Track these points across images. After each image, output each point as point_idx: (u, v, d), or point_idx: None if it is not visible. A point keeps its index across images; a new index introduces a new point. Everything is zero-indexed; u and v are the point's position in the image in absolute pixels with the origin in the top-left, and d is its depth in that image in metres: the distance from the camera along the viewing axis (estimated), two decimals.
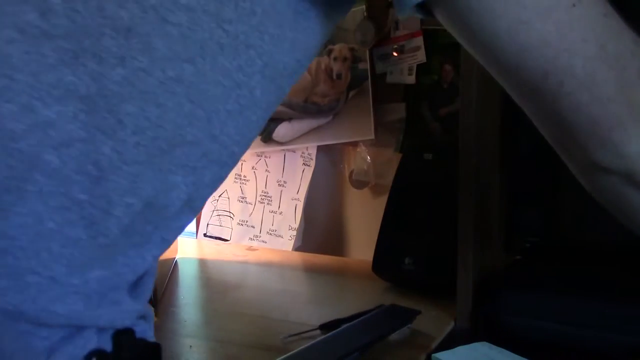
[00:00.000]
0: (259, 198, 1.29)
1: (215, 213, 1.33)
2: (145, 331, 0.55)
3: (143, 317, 0.55)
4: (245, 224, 1.30)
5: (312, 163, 1.25)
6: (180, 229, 0.56)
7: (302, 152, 1.25)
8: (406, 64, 1.15)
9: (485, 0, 0.46)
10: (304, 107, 1.20)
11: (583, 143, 0.49)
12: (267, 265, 1.18)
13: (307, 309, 0.95)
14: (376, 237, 1.05)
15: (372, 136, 1.18)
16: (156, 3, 0.46)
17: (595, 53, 0.47)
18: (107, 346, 0.46)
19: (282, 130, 1.23)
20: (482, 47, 0.49)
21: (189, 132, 0.50)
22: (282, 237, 1.26)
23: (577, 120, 0.48)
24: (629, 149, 0.48)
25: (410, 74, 1.15)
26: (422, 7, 0.49)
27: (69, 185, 0.46)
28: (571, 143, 0.51)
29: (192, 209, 0.54)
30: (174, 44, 0.47)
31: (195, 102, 0.49)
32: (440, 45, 1.12)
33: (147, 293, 0.55)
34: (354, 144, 1.22)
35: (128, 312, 0.52)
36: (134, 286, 0.53)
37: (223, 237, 1.32)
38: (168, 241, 0.54)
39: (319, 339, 0.78)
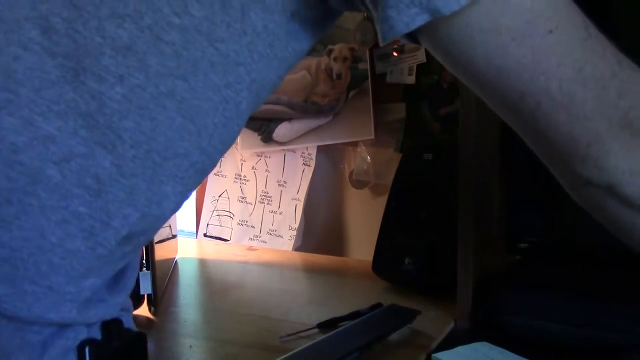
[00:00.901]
0: (259, 198, 1.29)
1: (215, 213, 1.33)
2: (129, 322, 0.57)
3: (125, 309, 0.58)
4: (245, 224, 1.30)
5: (312, 163, 1.25)
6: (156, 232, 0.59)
7: (302, 152, 1.25)
8: (406, 64, 1.15)
9: (464, 30, 0.47)
10: (304, 107, 1.20)
11: (565, 158, 0.51)
12: (267, 265, 1.18)
13: (307, 309, 0.95)
14: (376, 237, 1.05)
15: (372, 136, 1.18)
16: (152, 23, 0.48)
17: (571, 76, 0.48)
18: (97, 335, 0.48)
19: (282, 130, 1.23)
20: (463, 70, 0.51)
21: (180, 146, 0.52)
22: (282, 237, 1.26)
23: (557, 137, 0.50)
24: (607, 162, 0.49)
25: (410, 74, 1.15)
26: (409, 35, 0.51)
27: (70, 199, 0.49)
28: (555, 158, 0.52)
29: (174, 214, 0.57)
30: (167, 61, 0.49)
31: (186, 117, 0.51)
32: None
33: (130, 286, 0.58)
34: (354, 144, 1.22)
35: (112, 307, 0.54)
36: (115, 282, 0.56)
37: (223, 237, 1.32)
38: (147, 243, 0.57)
39: (319, 338, 0.78)
